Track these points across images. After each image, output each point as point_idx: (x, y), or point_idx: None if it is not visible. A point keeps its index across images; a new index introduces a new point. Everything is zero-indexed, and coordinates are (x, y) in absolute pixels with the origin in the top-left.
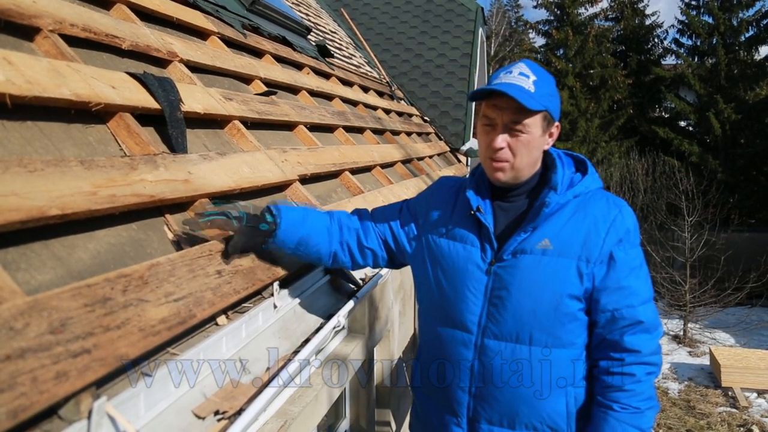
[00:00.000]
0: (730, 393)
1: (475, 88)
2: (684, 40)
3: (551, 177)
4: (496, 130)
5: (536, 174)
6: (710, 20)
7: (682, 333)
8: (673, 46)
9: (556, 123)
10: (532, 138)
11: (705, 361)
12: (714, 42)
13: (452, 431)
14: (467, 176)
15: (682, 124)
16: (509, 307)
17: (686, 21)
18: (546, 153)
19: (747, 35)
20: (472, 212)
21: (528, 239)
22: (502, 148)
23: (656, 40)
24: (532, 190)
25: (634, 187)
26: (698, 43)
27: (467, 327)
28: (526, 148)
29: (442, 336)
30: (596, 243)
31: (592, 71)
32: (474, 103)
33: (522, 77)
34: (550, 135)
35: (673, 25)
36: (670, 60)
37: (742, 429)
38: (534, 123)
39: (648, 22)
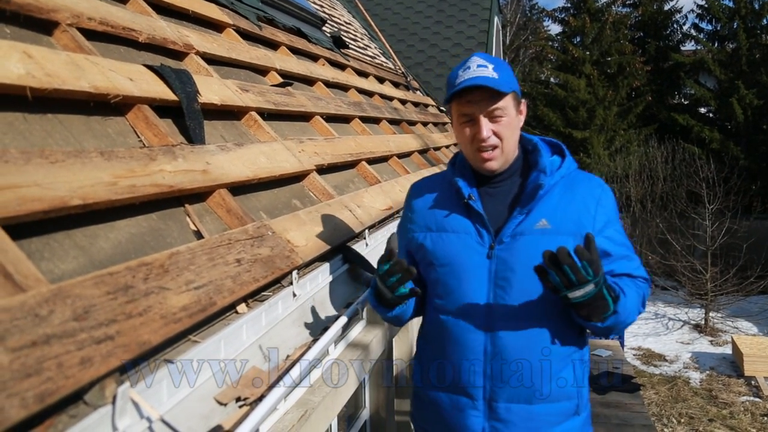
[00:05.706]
0: (753, 382)
1: None
2: (704, 25)
3: (538, 160)
4: (478, 123)
5: (518, 157)
6: (731, 4)
7: (703, 322)
8: (692, 31)
9: (522, 100)
10: (511, 119)
11: (727, 350)
12: (735, 26)
13: (468, 414)
14: (447, 169)
15: (702, 110)
16: (517, 287)
17: (706, 5)
18: (525, 139)
19: None
20: (465, 200)
21: (525, 221)
22: (489, 137)
23: (675, 25)
24: (515, 173)
25: (654, 175)
26: (718, 28)
27: (475, 312)
28: (509, 129)
29: (448, 324)
30: (588, 220)
31: (609, 59)
32: None
33: (482, 68)
34: (521, 112)
35: (692, 10)
36: (689, 46)
37: (765, 418)
38: (508, 105)
39: (666, 7)
